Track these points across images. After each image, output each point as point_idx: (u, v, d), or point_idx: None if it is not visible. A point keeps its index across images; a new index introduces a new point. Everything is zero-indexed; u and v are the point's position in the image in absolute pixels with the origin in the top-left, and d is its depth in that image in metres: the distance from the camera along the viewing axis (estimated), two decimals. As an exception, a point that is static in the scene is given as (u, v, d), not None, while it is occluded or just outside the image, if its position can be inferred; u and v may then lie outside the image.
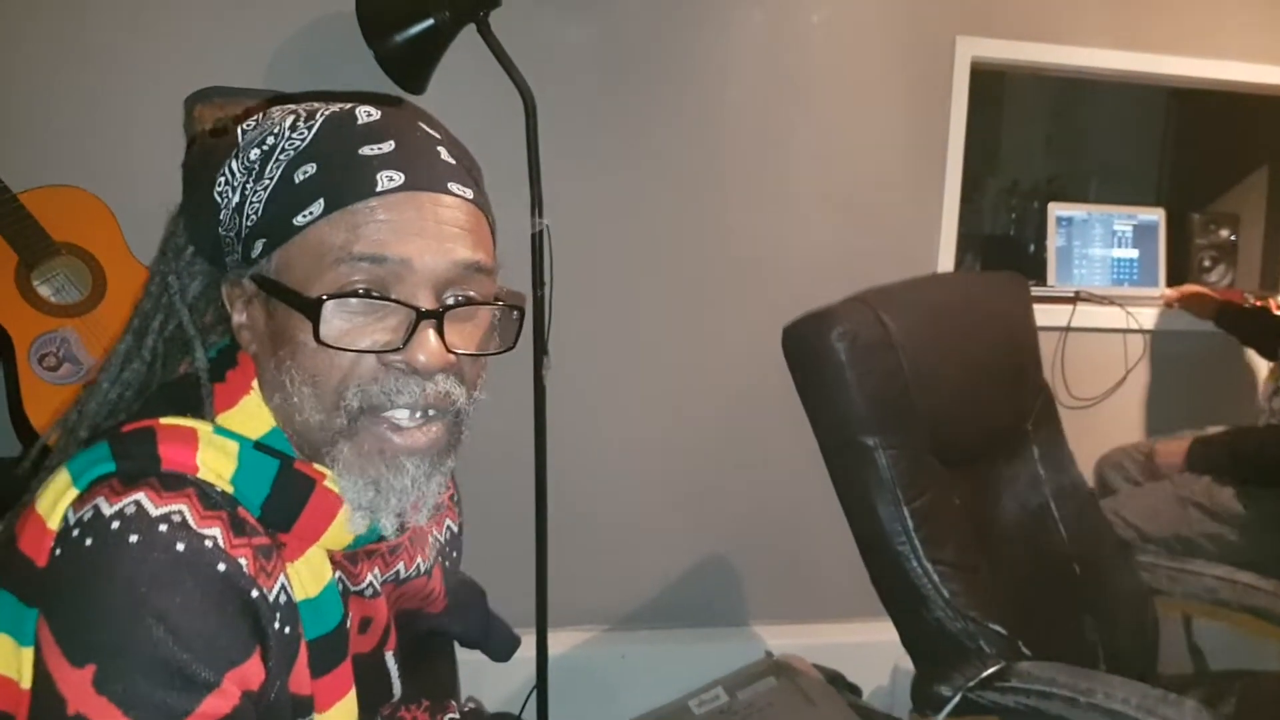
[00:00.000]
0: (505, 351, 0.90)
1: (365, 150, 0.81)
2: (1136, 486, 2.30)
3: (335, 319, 0.79)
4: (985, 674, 1.41)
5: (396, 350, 0.81)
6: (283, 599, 0.81)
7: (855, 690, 2.29)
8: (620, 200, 2.35)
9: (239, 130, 0.85)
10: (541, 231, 1.97)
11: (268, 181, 0.81)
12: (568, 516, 2.19)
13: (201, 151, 0.87)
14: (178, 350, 0.89)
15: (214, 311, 0.91)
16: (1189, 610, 1.90)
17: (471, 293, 0.84)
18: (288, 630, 0.81)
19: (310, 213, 0.80)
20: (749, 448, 2.42)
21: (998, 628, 1.49)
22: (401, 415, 0.82)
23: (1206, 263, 2.92)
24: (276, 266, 0.82)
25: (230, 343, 0.89)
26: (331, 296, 0.79)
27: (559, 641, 2.25)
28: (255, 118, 0.86)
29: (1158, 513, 2.18)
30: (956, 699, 1.40)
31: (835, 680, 2.27)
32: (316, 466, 0.84)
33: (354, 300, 0.80)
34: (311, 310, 0.79)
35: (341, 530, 0.85)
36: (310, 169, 0.80)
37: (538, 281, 1.98)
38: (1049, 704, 1.36)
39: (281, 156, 0.81)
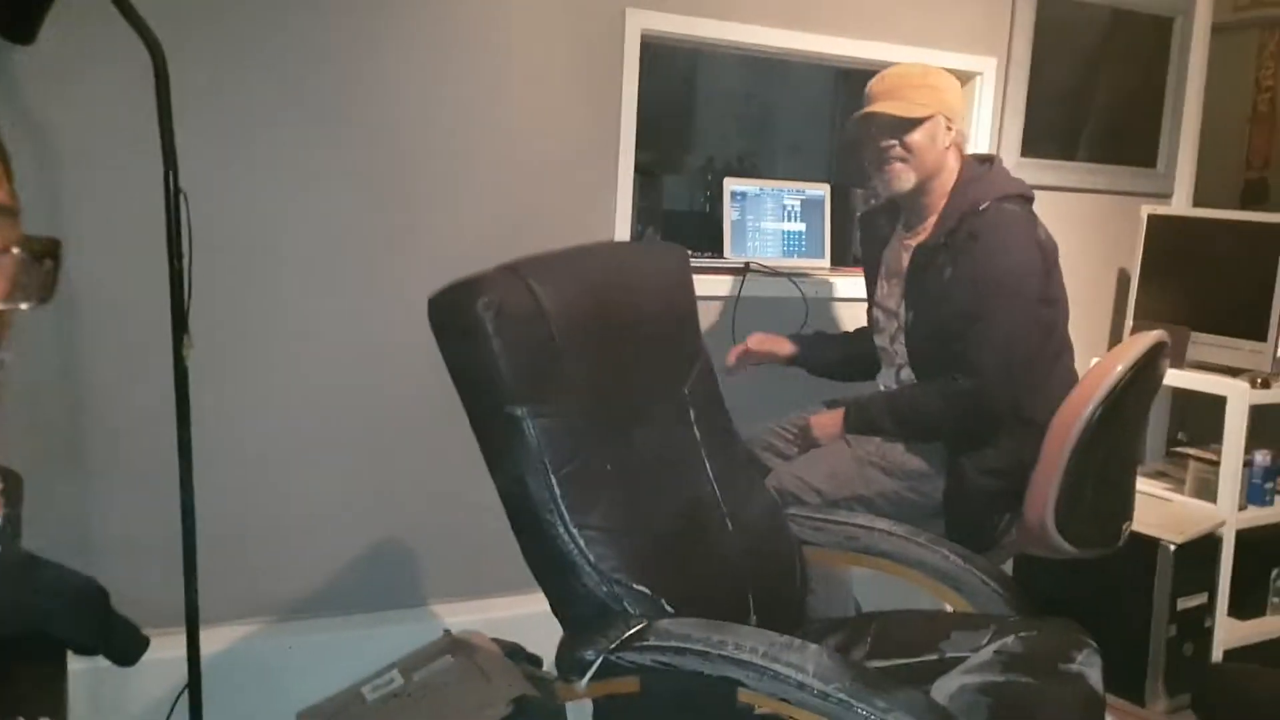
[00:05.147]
0: (40, 305, 0.81)
1: None
2: (810, 452, 2.38)
3: None
4: (626, 635, 1.43)
5: None
6: None
7: (535, 660, 2.29)
8: (273, 166, 2.22)
9: None
10: (177, 200, 1.84)
11: None
12: (220, 506, 2.07)
13: None
14: None
15: None
16: (835, 559, 2.02)
17: None
18: None
19: None
20: (417, 423, 2.35)
21: (643, 588, 1.52)
22: None
23: (859, 234, 3.10)
24: None
25: None
26: None
27: (215, 638, 2.12)
28: None
29: (836, 474, 2.24)
30: (598, 662, 1.41)
31: (514, 653, 2.26)
32: None
33: None
34: None
35: None
36: None
37: (175, 254, 1.85)
38: (684, 659, 1.39)
39: None
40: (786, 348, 2.52)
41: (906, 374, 2.33)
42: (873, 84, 2.27)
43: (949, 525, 2.24)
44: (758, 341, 2.51)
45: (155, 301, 1.88)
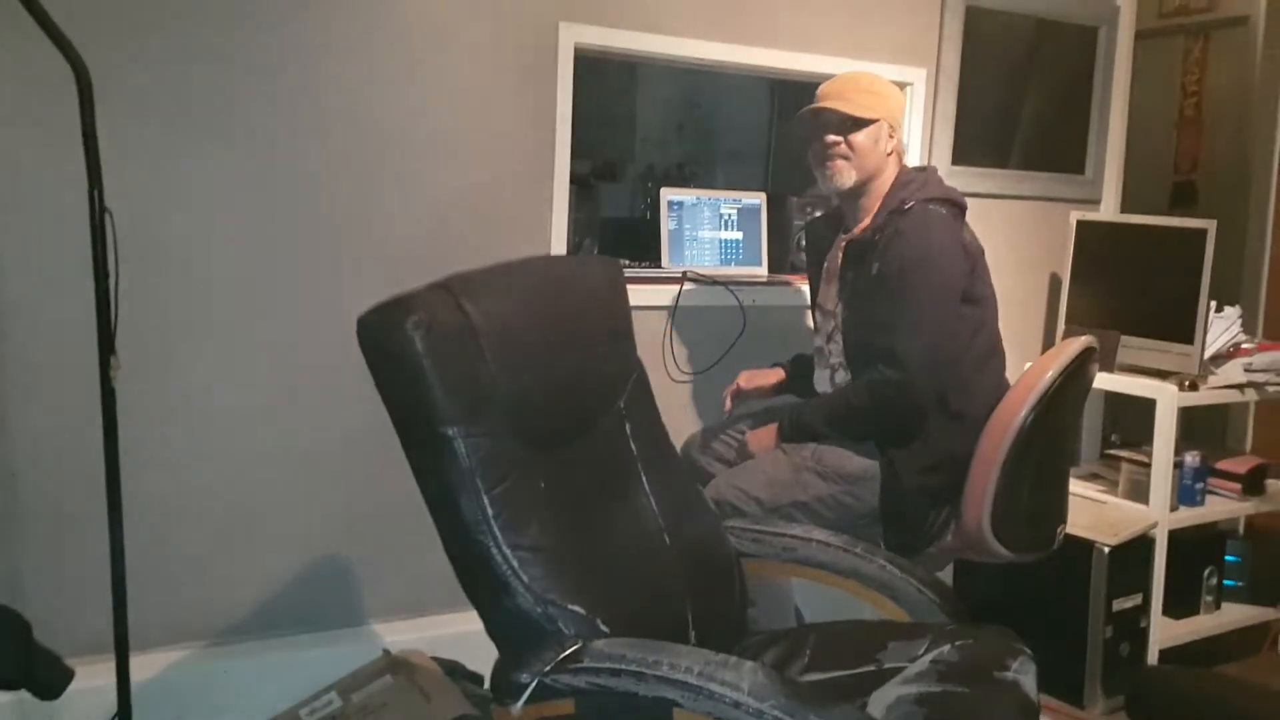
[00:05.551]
0: None
1: None
2: (746, 462, 2.40)
3: None
4: (561, 657, 1.41)
5: None
6: None
7: (476, 679, 2.28)
8: (204, 183, 2.20)
9: None
10: (103, 218, 1.81)
11: None
12: (151, 527, 2.04)
13: None
14: None
15: None
16: (775, 570, 2.02)
17: None
18: None
19: None
20: (352, 439, 2.33)
21: (577, 608, 1.50)
22: None
23: (804, 241, 3.11)
24: None
25: None
26: None
27: (146, 665, 2.08)
28: None
29: (774, 482, 2.27)
30: (533, 685, 1.40)
31: (454, 671, 2.25)
32: None
33: None
34: None
35: None
36: None
37: (101, 273, 1.81)
38: (618, 681, 1.38)
39: None
40: (774, 377, 2.60)
41: (841, 376, 2.37)
42: (823, 86, 2.34)
43: (886, 525, 2.27)
44: (748, 379, 2.59)
45: (81, 322, 1.84)
